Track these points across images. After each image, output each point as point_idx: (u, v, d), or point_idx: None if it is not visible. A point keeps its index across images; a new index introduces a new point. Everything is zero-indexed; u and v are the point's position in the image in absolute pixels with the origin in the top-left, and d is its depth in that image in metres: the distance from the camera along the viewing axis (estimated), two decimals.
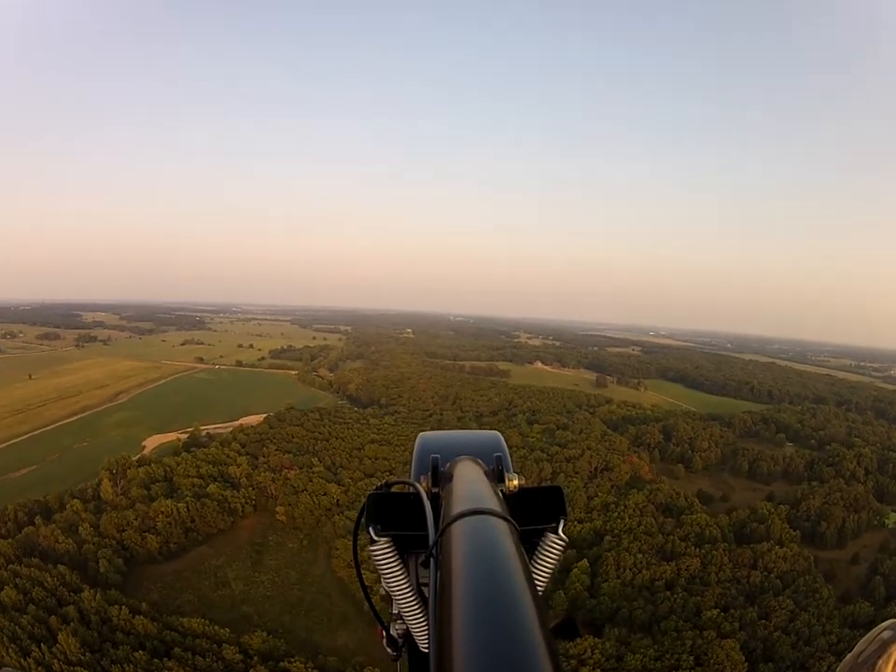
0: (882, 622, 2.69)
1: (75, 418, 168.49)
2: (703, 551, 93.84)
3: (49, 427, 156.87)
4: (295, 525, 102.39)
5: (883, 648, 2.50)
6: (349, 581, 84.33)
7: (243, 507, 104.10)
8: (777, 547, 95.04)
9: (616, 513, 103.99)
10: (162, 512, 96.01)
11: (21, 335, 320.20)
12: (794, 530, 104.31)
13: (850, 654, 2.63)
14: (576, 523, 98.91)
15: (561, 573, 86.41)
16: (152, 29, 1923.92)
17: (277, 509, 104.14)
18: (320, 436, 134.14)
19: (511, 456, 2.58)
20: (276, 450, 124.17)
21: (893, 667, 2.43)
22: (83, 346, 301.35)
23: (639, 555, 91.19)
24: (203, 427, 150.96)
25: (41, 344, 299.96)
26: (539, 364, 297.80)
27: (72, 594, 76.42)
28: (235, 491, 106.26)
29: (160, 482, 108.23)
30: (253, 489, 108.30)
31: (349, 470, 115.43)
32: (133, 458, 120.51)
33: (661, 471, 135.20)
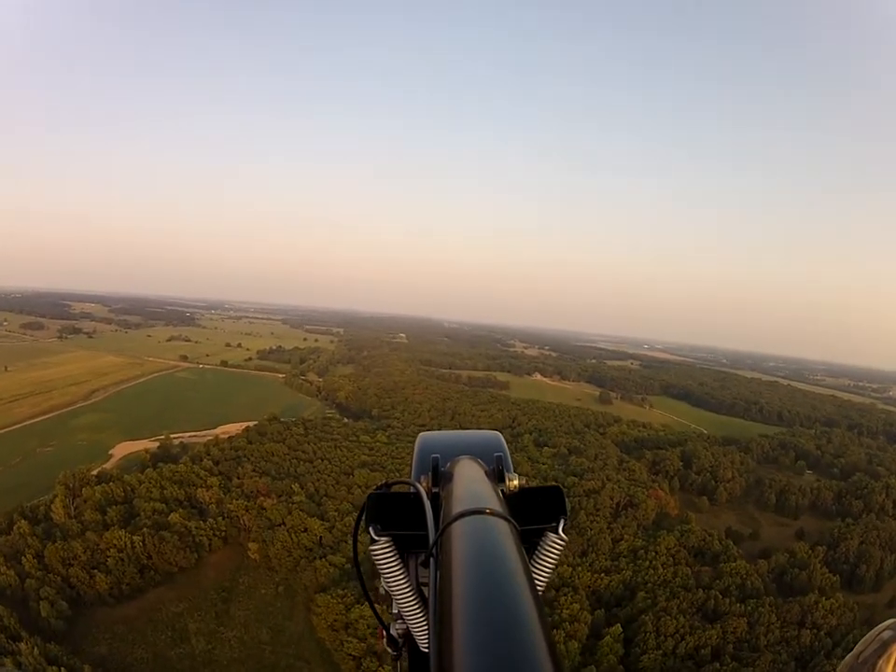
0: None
1: (43, 418, 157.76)
2: (748, 607, 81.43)
3: (15, 427, 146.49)
4: (270, 565, 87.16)
5: (883, 648, 2.49)
6: (332, 644, 70.22)
7: (210, 540, 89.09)
8: (822, 599, 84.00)
9: (647, 561, 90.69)
10: (115, 546, 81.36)
11: (5, 323, 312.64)
12: (834, 575, 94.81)
13: (850, 654, 2.63)
14: (603, 575, 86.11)
15: (591, 638, 74.09)
16: (148, 25, 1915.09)
17: (250, 545, 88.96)
18: (304, 455, 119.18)
19: (510, 457, 2.58)
20: (253, 471, 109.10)
21: (893, 667, 2.44)
22: (66, 338, 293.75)
23: (681, 617, 77.65)
24: (176, 436, 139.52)
25: (24, 334, 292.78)
26: (538, 376, 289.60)
27: (11, 641, 64.26)
28: (202, 521, 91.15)
29: (118, 504, 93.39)
30: (223, 518, 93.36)
31: (335, 500, 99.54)
32: (93, 472, 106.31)
33: (683, 503, 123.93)
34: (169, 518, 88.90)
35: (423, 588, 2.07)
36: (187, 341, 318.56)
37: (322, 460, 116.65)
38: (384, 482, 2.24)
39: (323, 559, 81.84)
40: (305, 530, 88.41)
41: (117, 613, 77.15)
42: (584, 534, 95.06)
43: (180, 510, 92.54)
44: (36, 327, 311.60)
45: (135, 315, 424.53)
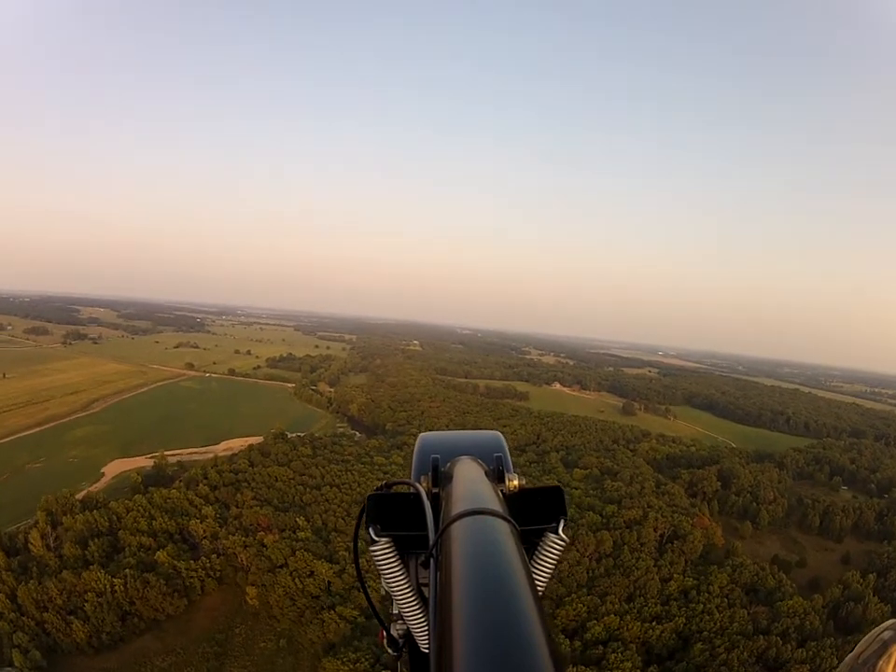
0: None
1: (38, 429, 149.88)
2: (808, 652, 71.29)
3: (7, 439, 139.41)
4: (270, 612, 75.72)
5: (883, 648, 2.54)
6: None
7: (202, 582, 78.21)
8: None
9: (700, 605, 79.41)
10: (93, 589, 71.14)
11: (9, 328, 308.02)
12: (886, 604, 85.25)
13: (850, 655, 2.67)
14: (654, 623, 74.58)
15: None
16: (160, 29, 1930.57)
17: (248, 589, 77.74)
18: (311, 481, 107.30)
19: (510, 457, 2.61)
20: (253, 499, 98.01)
21: (894, 668, 2.48)
22: (70, 344, 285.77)
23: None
24: (174, 453, 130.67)
25: (27, 339, 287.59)
26: (557, 385, 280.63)
27: None
28: (192, 560, 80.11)
29: (101, 536, 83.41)
30: (218, 556, 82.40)
31: (345, 537, 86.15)
32: (78, 496, 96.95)
33: (725, 529, 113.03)
34: (156, 556, 78.39)
35: (423, 588, 2.10)
36: (195, 347, 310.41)
37: (331, 487, 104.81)
38: (384, 482, 2.29)
39: (332, 610, 70.44)
40: (311, 574, 76.85)
41: (96, 664, 68.09)
42: (630, 574, 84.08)
43: (170, 545, 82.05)
44: (41, 332, 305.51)
45: (145, 320, 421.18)
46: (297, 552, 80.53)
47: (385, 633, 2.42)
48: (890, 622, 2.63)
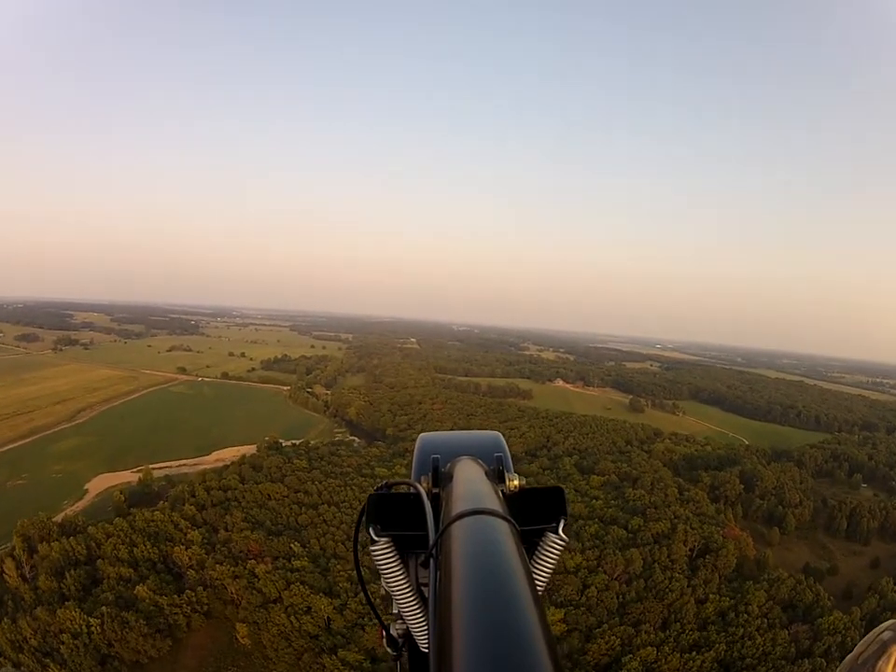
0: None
1: (21, 442, 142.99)
2: None
3: None
4: (265, 653, 66.96)
5: (883, 648, 2.53)
6: None
7: (188, 618, 69.84)
8: None
9: (740, 628, 71.88)
10: (69, 630, 63.34)
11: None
12: None
13: (850, 656, 2.67)
14: (693, 653, 66.94)
15: None
16: (155, 30, 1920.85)
17: (238, 626, 69.02)
18: (307, 499, 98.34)
19: (511, 457, 2.61)
20: (243, 521, 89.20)
21: (893, 668, 2.47)
22: (61, 350, 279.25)
23: None
24: (163, 465, 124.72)
25: (17, 346, 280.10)
26: (560, 382, 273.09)
27: None
28: (177, 595, 71.39)
29: (79, 565, 75.52)
30: (204, 589, 73.87)
31: (346, 564, 77.06)
32: (57, 518, 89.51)
33: (751, 535, 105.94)
34: (136, 591, 69.79)
35: (423, 588, 2.09)
36: (188, 350, 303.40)
37: (329, 506, 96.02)
38: (384, 482, 2.27)
39: (333, 654, 61.86)
40: (308, 610, 68.42)
41: None
42: (664, 597, 76.46)
43: (152, 576, 73.82)
44: (32, 338, 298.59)
45: (138, 323, 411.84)
46: (292, 584, 72.16)
47: (384, 633, 2.41)
48: (890, 622, 2.59)
